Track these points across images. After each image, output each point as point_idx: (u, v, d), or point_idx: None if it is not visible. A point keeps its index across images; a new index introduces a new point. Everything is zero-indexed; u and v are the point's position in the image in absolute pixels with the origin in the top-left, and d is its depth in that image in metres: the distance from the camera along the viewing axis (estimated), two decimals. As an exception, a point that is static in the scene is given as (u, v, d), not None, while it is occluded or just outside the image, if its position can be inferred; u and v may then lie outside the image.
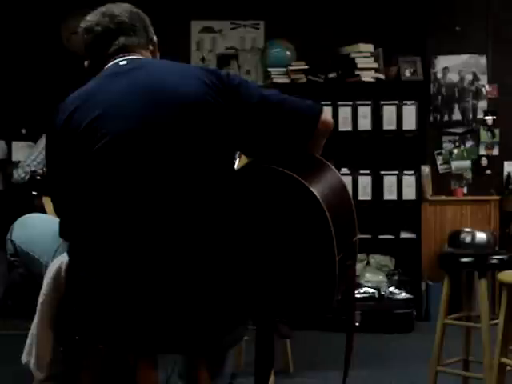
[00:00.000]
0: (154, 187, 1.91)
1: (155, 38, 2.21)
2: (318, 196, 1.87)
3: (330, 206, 1.88)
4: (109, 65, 2.08)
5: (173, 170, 1.92)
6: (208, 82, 1.95)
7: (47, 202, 2.91)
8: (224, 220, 1.96)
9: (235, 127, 1.97)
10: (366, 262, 5.51)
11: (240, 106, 1.95)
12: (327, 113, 2.06)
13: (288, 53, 5.65)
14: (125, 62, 2.06)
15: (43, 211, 3.03)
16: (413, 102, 5.44)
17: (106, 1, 2.30)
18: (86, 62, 2.18)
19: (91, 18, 2.14)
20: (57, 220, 2.14)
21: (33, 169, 3.76)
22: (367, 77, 5.43)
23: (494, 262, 3.34)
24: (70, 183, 1.98)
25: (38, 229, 2.27)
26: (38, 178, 2.90)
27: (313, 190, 1.88)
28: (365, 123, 5.46)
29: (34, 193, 3.03)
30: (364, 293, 5.19)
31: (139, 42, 2.14)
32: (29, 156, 4.84)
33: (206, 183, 1.93)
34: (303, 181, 1.89)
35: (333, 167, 2.05)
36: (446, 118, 5.82)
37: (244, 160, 2.14)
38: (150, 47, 2.18)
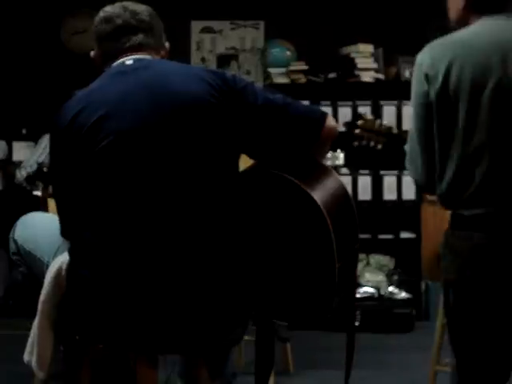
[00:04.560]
0: (155, 187, 1.92)
1: (167, 44, 2.20)
2: (320, 203, 1.88)
3: (331, 212, 1.89)
4: (115, 64, 2.08)
5: (175, 170, 1.92)
6: (212, 83, 1.96)
7: (52, 202, 2.93)
8: (226, 221, 1.96)
9: (239, 128, 1.97)
10: (365, 261, 5.50)
11: (245, 108, 1.96)
12: (332, 119, 2.06)
13: (288, 53, 5.64)
14: (131, 62, 2.06)
15: (45, 204, 3.06)
16: (413, 102, 5.43)
17: (106, 1, 2.30)
18: (92, 52, 2.17)
19: (111, 9, 2.12)
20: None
21: (40, 161, 3.77)
22: (367, 77, 5.43)
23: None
24: (73, 182, 1.99)
25: (40, 228, 2.28)
26: (45, 169, 2.93)
27: (314, 196, 1.88)
28: (365, 123, 5.45)
29: (41, 184, 3.06)
30: (364, 293, 5.18)
31: (154, 44, 2.13)
32: (31, 156, 4.85)
33: (209, 183, 1.94)
34: (305, 187, 1.89)
35: (335, 173, 2.05)
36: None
37: (243, 160, 2.14)
38: (162, 52, 2.17)
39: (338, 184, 2.04)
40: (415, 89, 2.00)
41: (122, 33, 2.09)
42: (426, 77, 1.95)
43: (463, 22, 2.11)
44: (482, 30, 2.02)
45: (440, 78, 1.93)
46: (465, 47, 1.97)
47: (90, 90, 2.02)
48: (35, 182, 3.08)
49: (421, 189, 2.27)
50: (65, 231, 2.09)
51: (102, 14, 2.13)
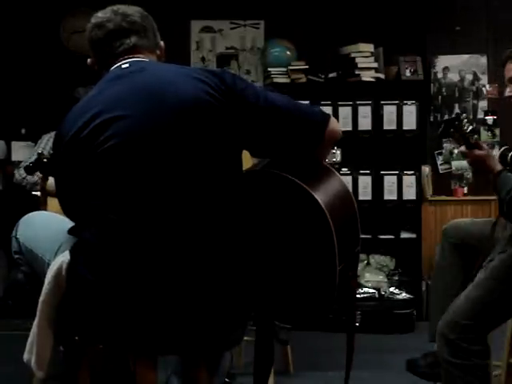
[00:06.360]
0: (154, 189, 1.91)
1: (162, 43, 2.20)
2: (322, 203, 1.86)
3: (333, 214, 1.87)
4: (112, 68, 2.08)
5: (176, 172, 1.91)
6: (210, 83, 1.95)
7: (51, 201, 2.93)
8: (228, 222, 1.95)
9: (241, 129, 1.96)
10: (366, 262, 5.50)
11: (246, 109, 1.94)
12: (335, 122, 2.05)
13: (288, 53, 5.64)
14: (127, 65, 2.05)
15: (45, 196, 3.06)
16: (413, 101, 5.43)
17: (105, 1, 2.29)
18: (89, 60, 2.17)
19: (102, 14, 2.12)
20: (61, 218, 2.14)
21: (40, 151, 3.78)
22: (367, 76, 5.43)
23: (494, 262, 3.32)
24: (75, 186, 1.99)
25: (42, 227, 2.27)
26: (45, 160, 2.95)
27: (317, 197, 1.87)
28: (365, 123, 5.45)
29: (40, 174, 3.09)
30: (364, 293, 5.18)
31: (149, 45, 2.13)
32: (30, 156, 4.85)
33: (211, 184, 1.93)
34: (308, 188, 1.88)
35: (339, 176, 2.04)
36: (446, 117, 5.81)
37: (245, 160, 2.13)
38: (157, 52, 2.17)
39: (342, 186, 2.03)
40: None
41: (115, 37, 2.09)
42: None
43: None
44: None
45: None
46: None
47: (90, 97, 2.03)
48: (34, 172, 3.11)
49: None
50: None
51: (93, 20, 2.13)
